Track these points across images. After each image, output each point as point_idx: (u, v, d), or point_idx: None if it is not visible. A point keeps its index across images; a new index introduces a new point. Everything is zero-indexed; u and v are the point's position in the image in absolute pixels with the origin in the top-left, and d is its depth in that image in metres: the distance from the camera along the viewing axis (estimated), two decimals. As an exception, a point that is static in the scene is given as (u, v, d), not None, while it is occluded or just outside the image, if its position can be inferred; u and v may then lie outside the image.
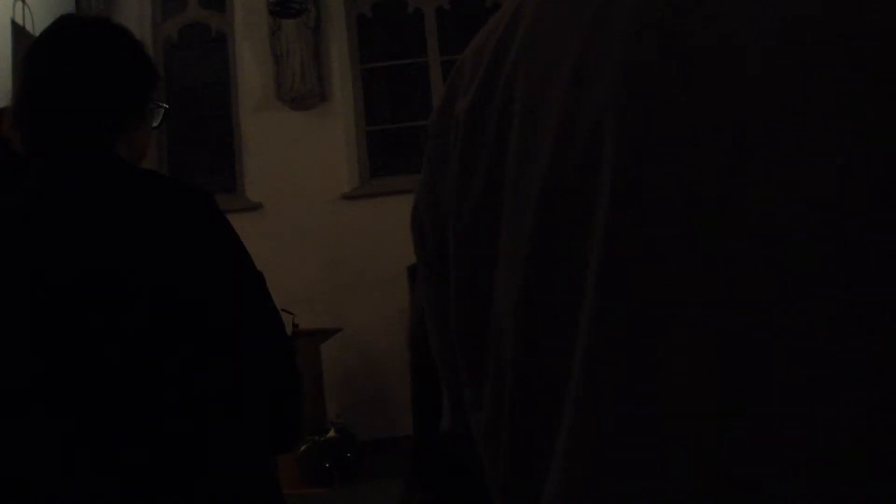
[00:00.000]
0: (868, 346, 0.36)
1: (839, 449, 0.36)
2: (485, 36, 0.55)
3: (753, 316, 0.38)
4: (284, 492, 1.22)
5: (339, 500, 4.69)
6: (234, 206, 5.95)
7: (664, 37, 0.43)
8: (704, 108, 0.41)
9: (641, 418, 0.41)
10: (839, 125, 0.38)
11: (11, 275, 1.08)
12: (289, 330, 3.92)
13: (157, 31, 6.68)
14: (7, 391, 1.06)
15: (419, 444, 0.74)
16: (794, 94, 0.39)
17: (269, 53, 6.42)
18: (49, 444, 1.04)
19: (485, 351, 0.50)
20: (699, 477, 0.39)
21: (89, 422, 1.04)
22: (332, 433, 5.04)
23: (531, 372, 0.47)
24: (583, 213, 0.44)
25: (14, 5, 5.11)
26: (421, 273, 0.59)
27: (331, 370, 5.61)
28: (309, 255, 6.11)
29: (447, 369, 0.57)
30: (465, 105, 0.53)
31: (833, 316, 0.37)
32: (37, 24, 5.15)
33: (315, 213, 6.22)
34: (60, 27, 1.24)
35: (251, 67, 6.53)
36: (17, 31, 5.07)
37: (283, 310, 1.34)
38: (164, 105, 1.33)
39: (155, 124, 1.31)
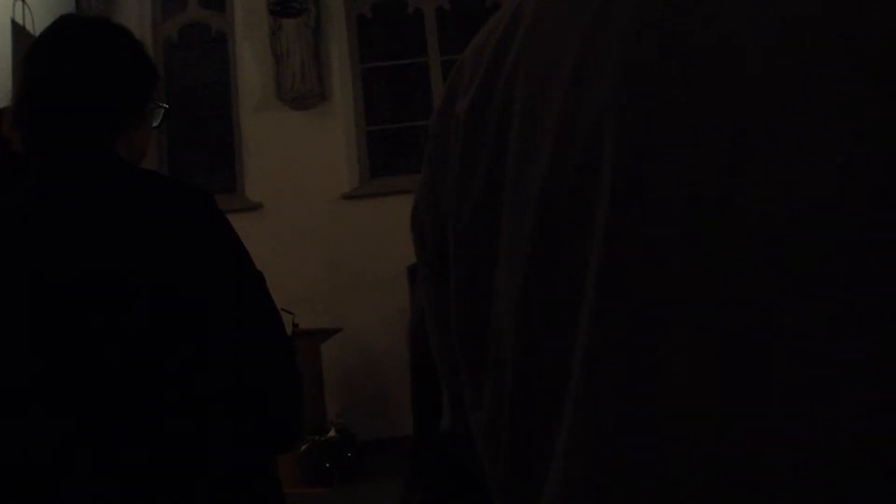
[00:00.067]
0: (868, 346, 0.36)
1: (839, 449, 0.36)
2: (485, 36, 0.55)
3: (753, 316, 0.38)
4: (285, 491, 1.22)
5: (340, 500, 4.69)
6: (234, 206, 5.95)
7: (664, 37, 0.43)
8: (704, 108, 0.41)
9: (641, 418, 0.41)
10: (839, 125, 0.38)
11: (11, 275, 1.08)
12: (289, 330, 3.92)
13: (157, 31, 6.68)
14: (7, 391, 1.06)
15: (419, 444, 0.74)
16: (794, 94, 0.39)
17: (269, 53, 6.42)
18: (49, 444, 1.04)
19: (485, 351, 0.50)
20: (699, 477, 0.39)
21: (89, 422, 1.04)
22: (332, 433, 5.05)
23: (531, 372, 0.47)
24: (583, 213, 0.44)
25: (14, 5, 5.11)
26: (421, 273, 0.59)
27: (331, 370, 5.61)
28: (309, 255, 6.11)
29: (447, 369, 0.57)
30: (465, 105, 0.53)
31: (833, 316, 0.37)
32: (37, 24, 5.15)
33: (315, 213, 6.22)
34: (60, 27, 1.24)
35: (251, 67, 6.53)
36: (17, 31, 5.07)
37: (283, 310, 1.34)
38: (164, 105, 1.33)
39: (155, 124, 1.31)
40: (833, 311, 0.37)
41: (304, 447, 4.84)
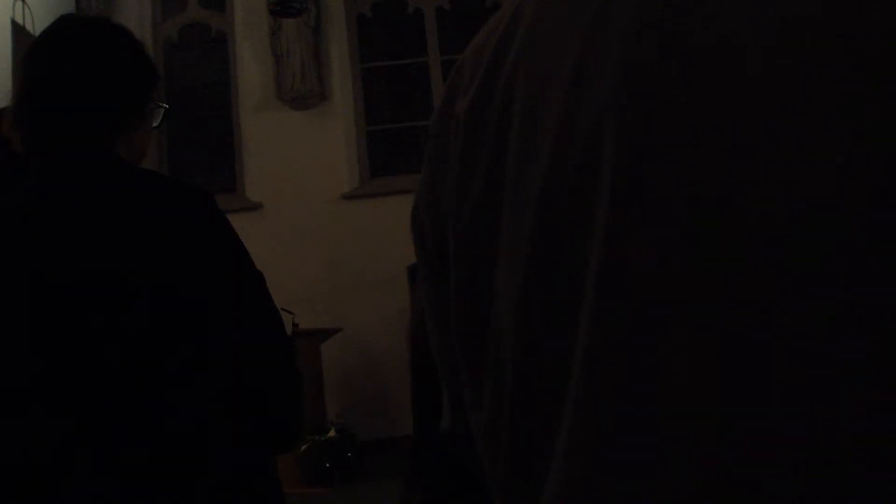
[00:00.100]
0: (868, 346, 0.36)
1: (839, 449, 0.36)
2: (485, 36, 0.55)
3: (753, 316, 0.38)
4: (285, 491, 1.22)
5: (340, 500, 4.69)
6: (234, 206, 5.94)
7: (664, 37, 0.43)
8: (704, 108, 0.41)
9: (641, 418, 0.41)
10: (839, 125, 0.38)
11: (11, 275, 1.08)
12: (289, 330, 3.92)
13: (157, 31, 6.68)
14: (7, 391, 1.06)
15: (419, 444, 0.74)
16: (794, 94, 0.39)
17: (270, 53, 6.42)
18: (49, 444, 1.04)
19: (485, 351, 0.50)
20: (699, 477, 0.39)
21: (89, 422, 1.04)
22: (332, 433, 5.05)
23: (531, 372, 0.47)
24: (583, 213, 0.44)
25: (14, 5, 5.11)
26: (421, 273, 0.59)
27: (331, 370, 5.61)
28: (309, 255, 6.11)
29: (447, 369, 0.57)
30: (465, 105, 0.53)
31: (833, 316, 0.37)
32: (37, 24, 5.15)
33: (315, 213, 6.22)
34: (60, 27, 1.24)
35: (251, 67, 6.53)
36: (17, 31, 5.07)
37: (283, 310, 1.34)
38: (164, 105, 1.33)
39: (155, 124, 1.31)
40: (833, 311, 0.37)
41: (304, 447, 4.84)
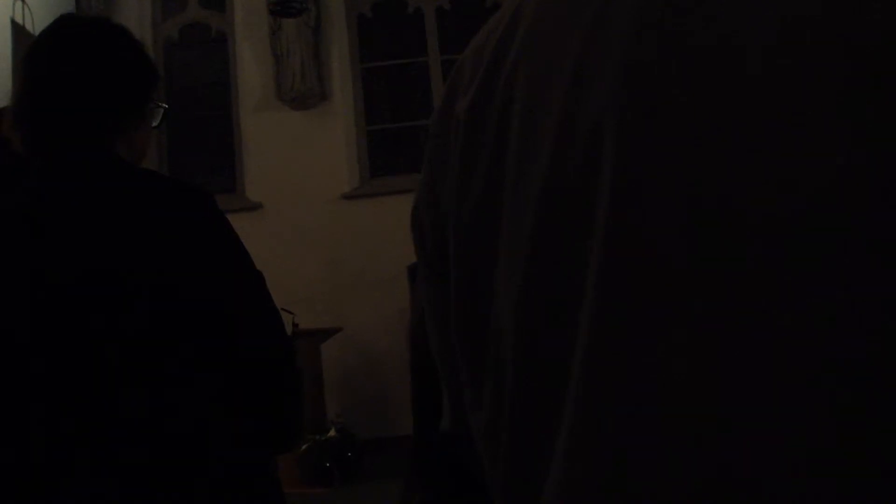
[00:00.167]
0: (868, 346, 0.36)
1: (839, 449, 0.36)
2: (485, 36, 0.55)
3: (753, 316, 0.38)
4: (285, 491, 1.22)
5: (340, 500, 4.69)
6: (234, 206, 5.94)
7: (664, 37, 0.43)
8: (704, 108, 0.41)
9: (641, 418, 0.41)
10: (839, 125, 0.38)
11: (11, 275, 1.08)
12: (289, 330, 3.92)
13: (157, 31, 6.68)
14: (7, 391, 1.06)
15: (419, 444, 0.74)
16: (794, 94, 0.39)
17: (270, 53, 6.42)
18: (49, 444, 1.04)
19: (485, 351, 0.50)
20: (699, 477, 0.39)
21: (89, 422, 1.04)
22: (332, 433, 5.04)
23: (531, 372, 0.47)
24: (583, 213, 0.44)
25: (14, 5, 5.11)
26: (421, 273, 0.59)
27: (331, 370, 5.61)
28: (309, 255, 6.11)
29: (447, 369, 0.57)
30: (465, 105, 0.53)
31: (833, 316, 0.37)
32: (37, 24, 5.15)
33: (315, 213, 6.22)
34: (60, 27, 1.24)
35: (251, 67, 6.53)
36: (17, 30, 5.07)
37: (283, 309, 1.34)
38: (164, 105, 1.33)
39: (154, 124, 1.31)
40: (833, 311, 0.37)
41: (304, 447, 4.84)
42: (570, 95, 0.46)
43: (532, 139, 0.47)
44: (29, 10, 5.22)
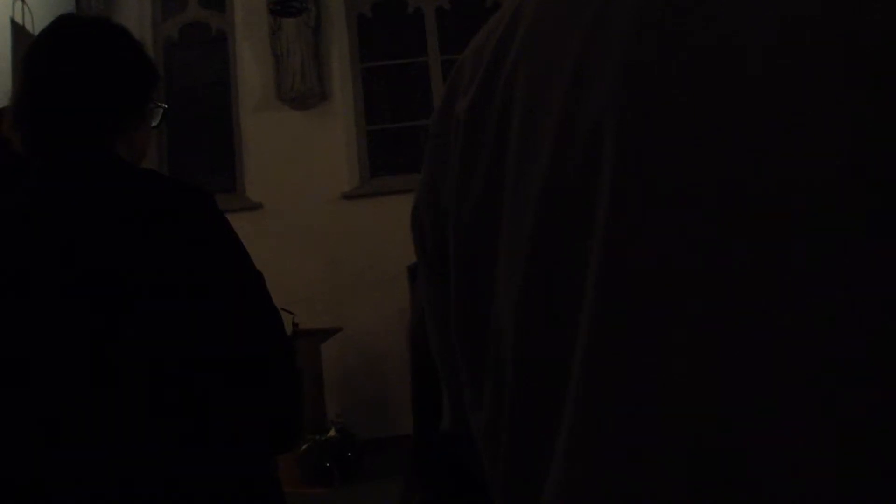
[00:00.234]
0: (868, 346, 0.36)
1: (839, 449, 0.36)
2: (485, 36, 0.55)
3: (753, 316, 0.38)
4: (285, 491, 1.22)
5: (340, 500, 4.69)
6: (234, 206, 5.94)
7: (664, 37, 0.43)
8: (704, 108, 0.41)
9: (641, 418, 0.41)
10: (839, 125, 0.38)
11: (11, 275, 1.08)
12: (289, 330, 3.91)
13: (157, 31, 6.68)
14: (7, 391, 1.06)
15: (419, 444, 0.74)
16: (794, 94, 0.39)
17: (270, 53, 6.42)
18: (49, 444, 1.04)
19: (485, 351, 0.50)
20: (699, 477, 0.39)
21: (89, 422, 1.04)
22: (332, 433, 5.04)
23: (531, 372, 0.47)
24: (583, 213, 0.44)
25: (14, 5, 5.11)
26: (421, 273, 0.59)
27: (331, 370, 5.61)
28: (309, 255, 6.11)
29: (447, 369, 0.57)
30: (465, 105, 0.53)
31: (833, 316, 0.37)
32: (37, 24, 5.15)
33: (315, 213, 6.22)
34: (60, 27, 1.24)
35: (251, 67, 6.53)
36: (17, 30, 5.07)
37: (283, 309, 1.34)
38: (164, 105, 1.33)
39: (154, 124, 1.31)
40: (833, 311, 0.37)
41: (304, 447, 4.84)
42: (570, 95, 0.46)
43: (532, 139, 0.47)
44: (29, 10, 5.22)
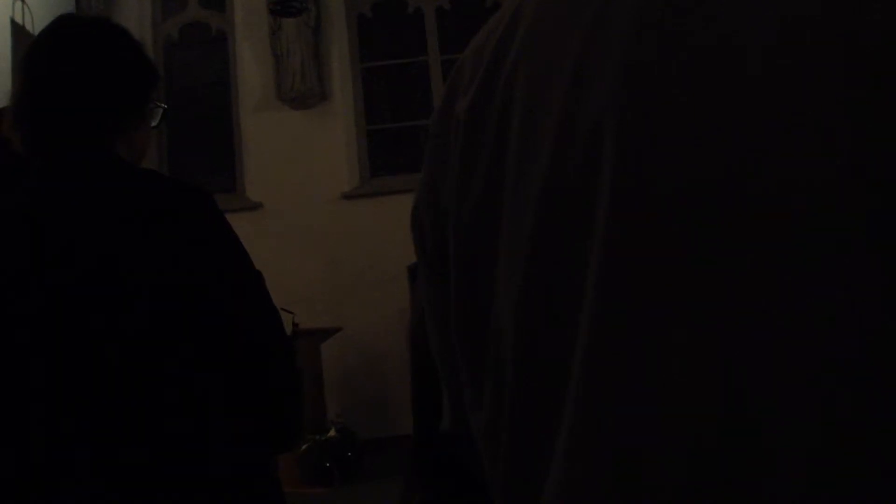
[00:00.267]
0: (868, 346, 0.36)
1: (839, 449, 0.36)
2: (485, 36, 0.55)
3: (753, 316, 0.38)
4: (285, 491, 1.22)
5: (340, 500, 4.68)
6: (234, 206, 5.94)
7: (664, 37, 0.43)
8: (704, 108, 0.41)
9: (641, 418, 0.41)
10: (839, 125, 0.38)
11: (11, 275, 1.08)
12: (289, 329, 3.91)
13: (157, 31, 6.68)
14: (7, 391, 1.06)
15: (419, 444, 0.74)
16: (794, 94, 0.39)
17: (270, 53, 6.41)
18: (49, 444, 1.04)
19: (485, 351, 0.50)
20: (699, 477, 0.39)
21: (89, 422, 1.04)
22: (332, 433, 5.04)
23: (531, 372, 0.47)
24: (583, 213, 0.44)
25: (14, 5, 5.11)
26: (421, 273, 0.59)
27: (331, 370, 5.61)
28: (309, 255, 6.11)
29: (447, 369, 0.57)
30: (465, 105, 0.53)
31: (833, 316, 0.37)
32: (37, 24, 5.14)
33: (315, 213, 6.22)
34: (60, 27, 1.24)
35: (251, 67, 6.53)
36: (17, 30, 5.07)
37: (283, 309, 1.34)
38: (163, 105, 1.33)
39: (154, 124, 1.31)
40: (833, 311, 0.37)
41: (304, 447, 4.84)
42: (570, 95, 0.46)
43: (532, 139, 0.47)
44: (29, 10, 5.22)
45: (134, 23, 6.07)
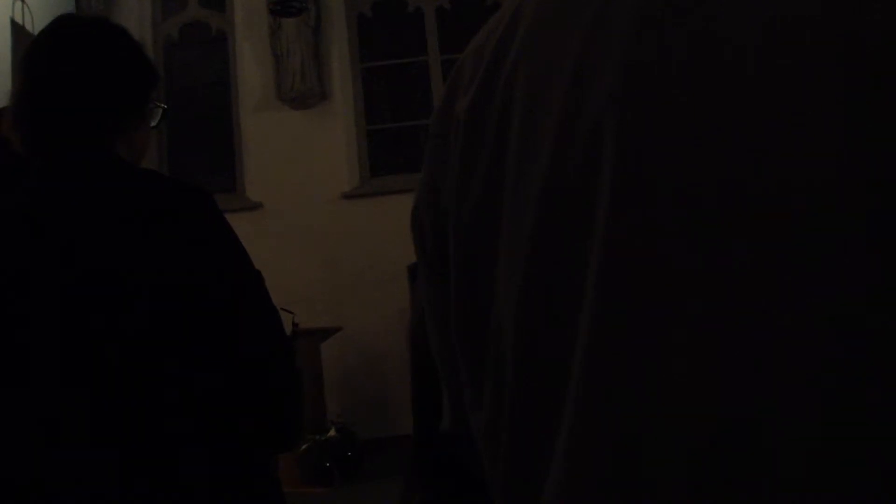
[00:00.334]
0: (868, 346, 0.36)
1: (839, 449, 0.36)
2: (485, 36, 0.55)
3: (753, 316, 0.38)
4: (285, 491, 1.22)
5: (340, 500, 4.68)
6: (234, 206, 5.94)
7: (664, 37, 0.43)
8: (704, 107, 0.41)
9: (641, 418, 0.41)
10: (839, 125, 0.38)
11: (11, 275, 1.08)
12: (289, 329, 3.90)
13: (157, 31, 6.68)
14: (7, 391, 1.06)
15: (419, 444, 0.74)
16: (794, 94, 0.39)
17: (270, 53, 6.41)
18: (49, 444, 1.04)
19: (485, 351, 0.50)
20: (699, 476, 0.39)
21: (89, 422, 1.04)
22: (332, 432, 5.04)
23: (531, 372, 0.47)
24: (583, 213, 0.44)
25: (14, 5, 5.11)
26: (421, 273, 0.59)
27: (331, 370, 5.61)
28: (309, 255, 6.11)
29: (447, 369, 0.57)
30: (465, 105, 0.53)
31: (833, 316, 0.37)
32: (37, 24, 5.15)
33: (315, 212, 6.22)
34: (59, 27, 1.24)
35: (251, 67, 6.53)
36: (17, 30, 5.07)
37: (283, 309, 1.34)
38: (163, 105, 1.33)
39: (154, 124, 1.31)
40: (833, 311, 0.37)
41: (304, 447, 4.84)
42: (570, 95, 0.46)
43: (532, 139, 0.47)
44: (29, 10, 5.22)
45: (134, 23, 6.07)
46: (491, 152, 0.50)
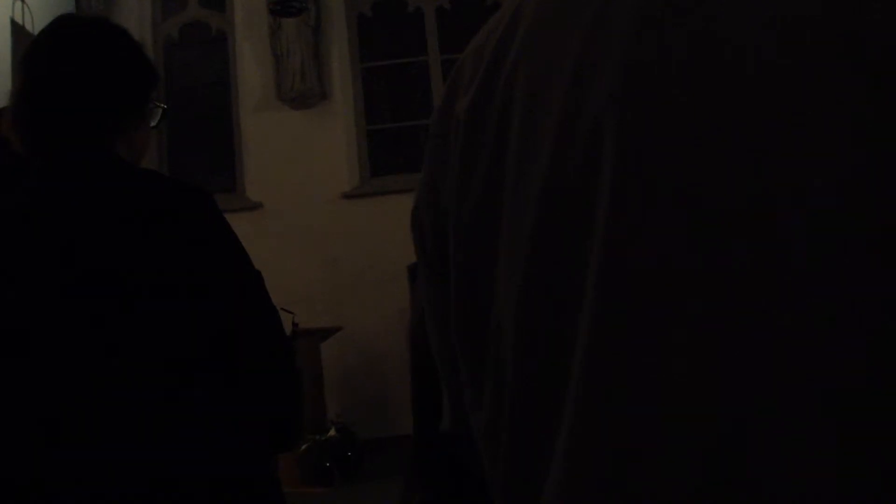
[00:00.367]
0: (868, 346, 0.36)
1: (839, 449, 0.36)
2: (485, 36, 0.55)
3: (753, 316, 0.38)
4: (285, 491, 1.22)
5: (340, 500, 4.68)
6: (234, 206, 5.94)
7: (664, 37, 0.43)
8: (704, 107, 0.41)
9: (641, 418, 0.41)
10: (839, 125, 0.38)
11: (11, 275, 1.08)
12: (289, 329, 3.90)
13: (157, 31, 6.68)
14: (7, 391, 1.06)
15: (419, 444, 0.74)
16: (794, 94, 0.39)
17: (270, 53, 6.41)
18: (49, 444, 1.04)
19: (485, 350, 0.50)
20: (699, 476, 0.39)
21: (89, 422, 1.04)
22: (332, 432, 5.04)
23: (531, 372, 0.47)
24: (583, 213, 0.44)
25: (14, 5, 5.11)
26: (421, 273, 0.59)
27: (331, 370, 5.61)
28: (309, 255, 6.10)
29: (447, 369, 0.57)
30: (465, 105, 0.53)
31: (833, 316, 0.37)
32: (37, 24, 5.14)
33: (315, 212, 6.22)
34: (59, 27, 1.24)
35: (251, 67, 6.53)
36: (17, 30, 5.07)
37: (283, 309, 1.34)
38: (163, 105, 1.33)
39: (154, 124, 1.31)
40: (833, 311, 0.37)
41: (304, 447, 4.84)
42: (570, 95, 0.46)
43: (532, 139, 0.47)
44: (29, 10, 5.22)
45: (134, 23, 6.07)
46: (491, 152, 0.50)
